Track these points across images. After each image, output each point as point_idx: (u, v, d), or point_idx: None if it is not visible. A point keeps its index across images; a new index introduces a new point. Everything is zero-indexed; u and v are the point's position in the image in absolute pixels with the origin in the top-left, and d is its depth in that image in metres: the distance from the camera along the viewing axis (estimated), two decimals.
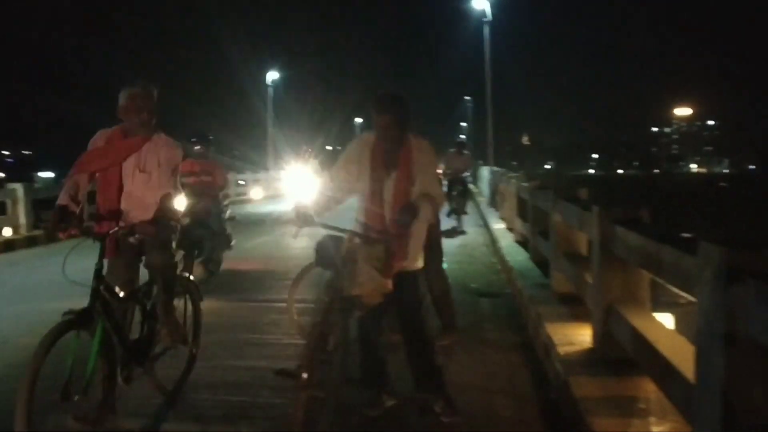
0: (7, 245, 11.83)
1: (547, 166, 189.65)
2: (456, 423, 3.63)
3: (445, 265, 5.39)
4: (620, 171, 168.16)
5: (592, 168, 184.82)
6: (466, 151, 15.04)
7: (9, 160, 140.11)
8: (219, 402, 4.02)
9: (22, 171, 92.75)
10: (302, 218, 3.46)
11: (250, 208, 22.36)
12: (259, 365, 4.64)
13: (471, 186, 19.47)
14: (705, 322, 2.30)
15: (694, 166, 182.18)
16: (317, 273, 4.62)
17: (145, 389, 3.91)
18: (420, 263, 3.70)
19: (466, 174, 15.11)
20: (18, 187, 13.16)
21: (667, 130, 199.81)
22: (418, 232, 3.59)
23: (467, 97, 74.21)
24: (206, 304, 4.64)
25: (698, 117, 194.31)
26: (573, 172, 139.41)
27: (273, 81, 43.85)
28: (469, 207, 15.12)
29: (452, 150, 14.42)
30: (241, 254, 9.55)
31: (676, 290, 2.94)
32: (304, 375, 3.09)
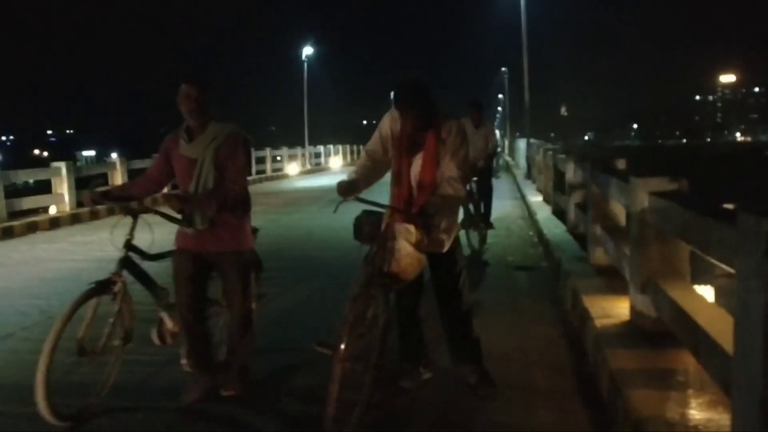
0: (53, 222, 12.19)
1: (586, 137, 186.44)
2: (491, 395, 3.66)
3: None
4: (660, 141, 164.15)
5: (637, 138, 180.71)
6: (484, 118, 8.58)
7: (53, 139, 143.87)
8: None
9: (65, 150, 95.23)
10: (346, 189, 3.44)
11: (285, 184, 22.74)
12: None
13: (507, 159, 13.24)
14: (744, 294, 2.27)
15: (738, 135, 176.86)
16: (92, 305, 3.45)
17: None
18: (447, 246, 3.63)
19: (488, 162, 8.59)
20: (62, 166, 13.51)
21: (711, 98, 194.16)
22: (446, 216, 3.57)
23: (504, 69, 72.74)
24: None
25: (743, 84, 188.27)
26: (613, 143, 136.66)
27: (307, 56, 43.63)
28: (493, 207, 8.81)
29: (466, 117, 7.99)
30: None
31: (716, 262, 2.89)
32: (342, 347, 3.15)
